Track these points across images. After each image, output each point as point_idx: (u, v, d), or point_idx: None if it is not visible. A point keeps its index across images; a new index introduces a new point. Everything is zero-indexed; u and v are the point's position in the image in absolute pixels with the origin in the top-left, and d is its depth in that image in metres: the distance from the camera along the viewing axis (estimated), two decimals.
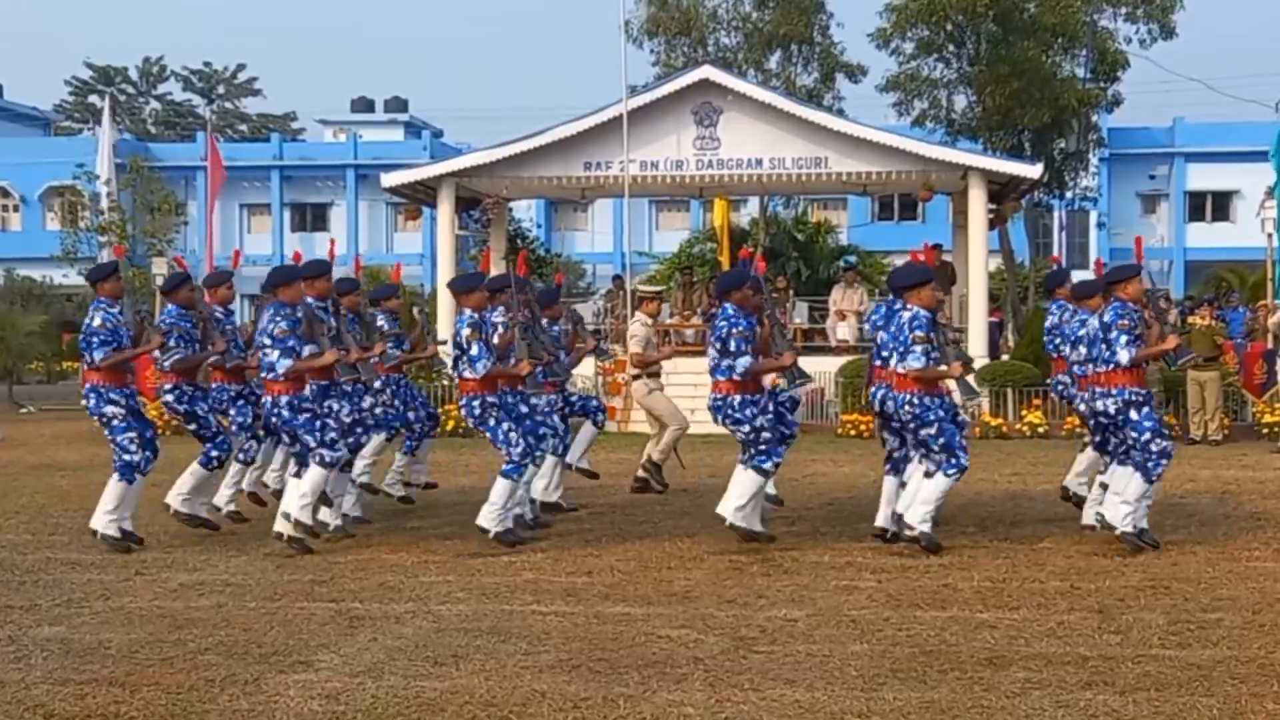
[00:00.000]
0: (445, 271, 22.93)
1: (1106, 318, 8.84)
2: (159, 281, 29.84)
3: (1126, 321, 8.71)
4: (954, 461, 8.69)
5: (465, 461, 13.48)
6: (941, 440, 8.70)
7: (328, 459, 8.99)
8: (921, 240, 15.98)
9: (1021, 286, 30.68)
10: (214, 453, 9.85)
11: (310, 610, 7.32)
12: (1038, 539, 9.38)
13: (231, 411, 10.10)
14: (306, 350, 8.96)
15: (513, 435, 9.07)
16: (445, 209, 22.83)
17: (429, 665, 6.17)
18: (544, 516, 10.28)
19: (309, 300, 9.25)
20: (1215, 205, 46.21)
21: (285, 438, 9.14)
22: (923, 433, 8.77)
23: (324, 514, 9.43)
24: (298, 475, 9.13)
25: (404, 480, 11.10)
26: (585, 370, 17.83)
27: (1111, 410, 8.86)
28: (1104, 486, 9.36)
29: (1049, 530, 9.73)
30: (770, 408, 9.07)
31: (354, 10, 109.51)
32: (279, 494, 9.74)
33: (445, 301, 20.32)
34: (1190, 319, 19.59)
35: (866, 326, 21.55)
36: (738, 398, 8.92)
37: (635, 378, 12.21)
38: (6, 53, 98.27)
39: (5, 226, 49.79)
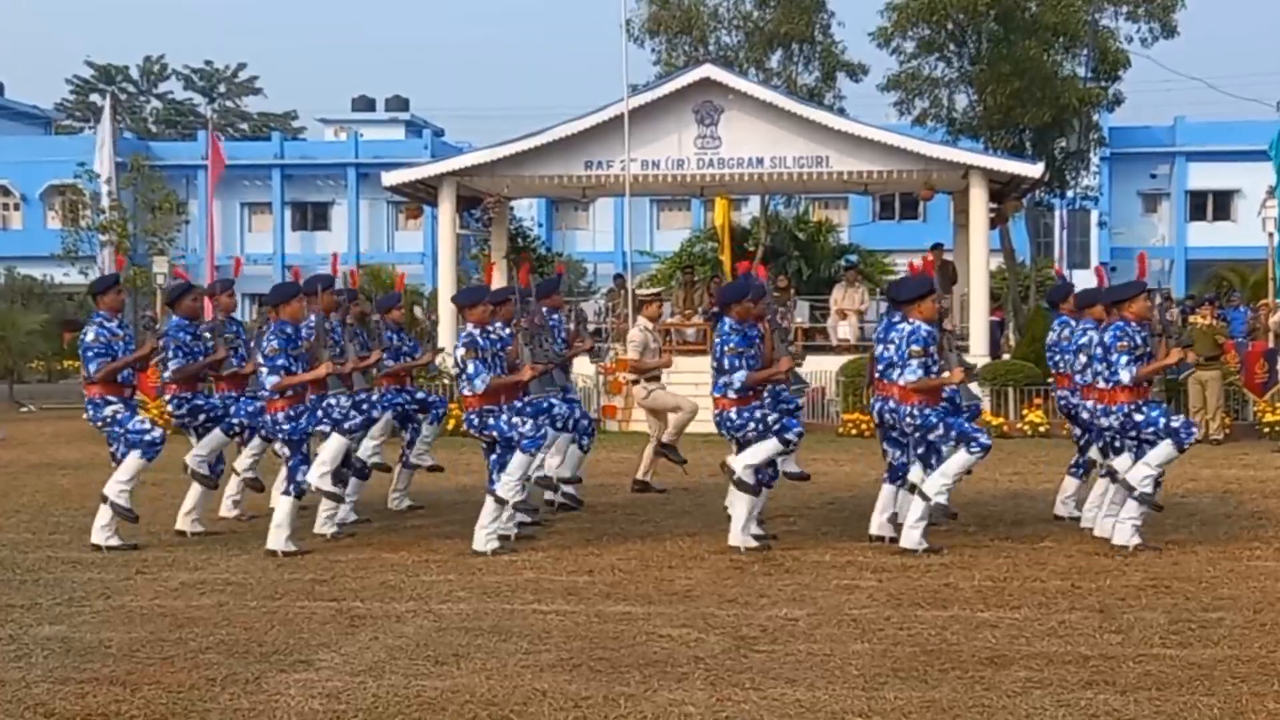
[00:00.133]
0: (446, 271, 22.95)
1: (1107, 338, 8.91)
2: (159, 281, 29.99)
3: (1126, 343, 8.81)
4: (976, 441, 8.72)
5: (466, 461, 13.47)
6: (954, 432, 8.74)
7: (345, 426, 9.20)
8: (923, 239, 16.00)
9: (1023, 286, 30.65)
10: (233, 420, 10.02)
11: (311, 609, 7.32)
12: (1039, 538, 9.39)
13: (234, 408, 10.14)
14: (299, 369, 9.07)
15: (516, 419, 9.09)
16: (446, 208, 22.82)
17: (430, 664, 6.17)
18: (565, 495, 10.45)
19: (314, 318, 9.28)
20: (1216, 204, 46.19)
21: (287, 450, 9.14)
22: (931, 436, 8.82)
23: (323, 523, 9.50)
24: (287, 493, 9.13)
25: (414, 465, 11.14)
26: (586, 370, 17.83)
27: (1116, 425, 8.98)
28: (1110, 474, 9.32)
29: (1050, 529, 9.73)
30: (766, 401, 9.19)
31: (355, 9, 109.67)
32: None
33: (449, 303, 20.32)
34: (1191, 318, 19.58)
35: (868, 327, 21.74)
36: (734, 411, 9.06)
37: (634, 383, 12.25)
38: (7, 51, 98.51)
39: (6, 225, 49.81)
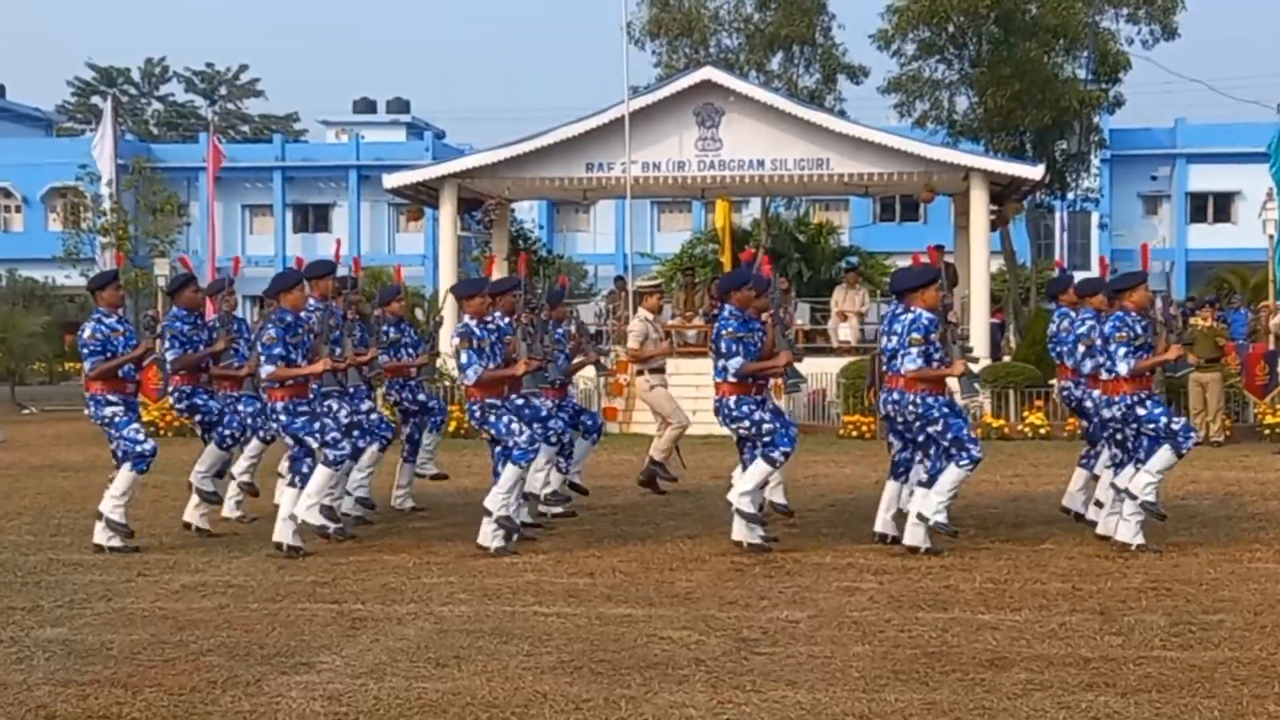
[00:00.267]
0: (447, 272, 22.95)
1: (1107, 328, 8.92)
2: (161, 282, 29.98)
3: (1125, 334, 8.82)
4: (967, 453, 8.71)
5: (468, 463, 13.48)
6: (950, 435, 8.72)
7: (332, 457, 9.04)
8: (923, 241, 15.99)
9: (1023, 288, 30.67)
10: (225, 431, 9.99)
11: (312, 612, 7.32)
12: (1039, 540, 9.39)
13: (239, 407, 10.13)
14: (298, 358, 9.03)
15: (515, 425, 9.10)
16: (447, 210, 22.85)
17: (431, 667, 6.17)
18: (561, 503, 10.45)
19: (313, 303, 9.28)
20: (1217, 206, 46.17)
21: (289, 440, 9.16)
22: (929, 430, 8.78)
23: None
24: (292, 484, 9.15)
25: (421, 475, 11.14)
26: (587, 371, 17.81)
27: (1119, 415, 8.98)
28: (1114, 487, 9.34)
29: (1051, 532, 9.73)
30: (769, 405, 9.19)
31: (355, 11, 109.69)
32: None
33: (452, 303, 20.31)
34: (1192, 320, 19.58)
35: (869, 329, 21.75)
36: (733, 398, 9.03)
37: (639, 373, 12.26)
38: (8, 53, 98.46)
39: (7, 227, 49.79)
